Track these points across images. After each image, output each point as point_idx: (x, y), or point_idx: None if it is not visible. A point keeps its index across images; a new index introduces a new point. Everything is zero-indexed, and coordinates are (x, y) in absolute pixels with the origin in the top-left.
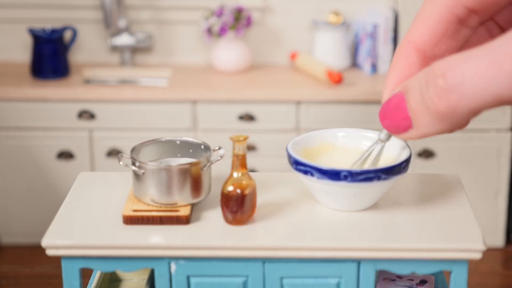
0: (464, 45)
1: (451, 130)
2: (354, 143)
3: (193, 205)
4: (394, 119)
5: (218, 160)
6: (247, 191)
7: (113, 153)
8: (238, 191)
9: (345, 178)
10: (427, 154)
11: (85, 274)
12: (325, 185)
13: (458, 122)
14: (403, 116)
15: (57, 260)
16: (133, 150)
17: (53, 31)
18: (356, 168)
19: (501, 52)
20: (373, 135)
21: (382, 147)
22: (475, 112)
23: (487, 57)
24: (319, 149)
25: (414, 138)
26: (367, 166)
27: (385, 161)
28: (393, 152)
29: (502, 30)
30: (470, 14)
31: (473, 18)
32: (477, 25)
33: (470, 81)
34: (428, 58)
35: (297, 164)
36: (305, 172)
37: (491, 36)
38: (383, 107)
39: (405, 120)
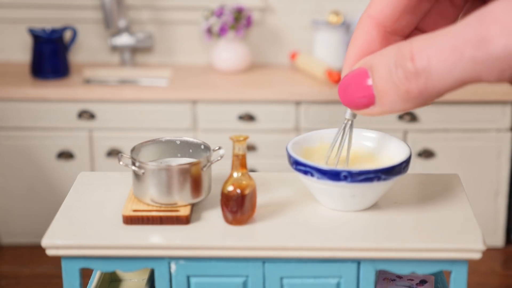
0: (424, 18)
1: (414, 108)
2: (353, 143)
3: (193, 205)
4: (356, 95)
5: (218, 160)
6: (247, 191)
7: (113, 153)
8: (238, 191)
9: (345, 178)
10: (427, 154)
11: (85, 274)
12: (325, 185)
13: (423, 102)
14: (366, 93)
15: (57, 260)
16: (133, 150)
17: (53, 31)
18: (332, 155)
19: (461, 39)
20: (373, 135)
21: (351, 126)
22: (441, 94)
23: (449, 43)
24: (318, 148)
25: (374, 115)
26: (340, 150)
27: (385, 161)
28: (392, 152)
29: None
30: None
31: None
32: None
33: (436, 66)
34: (388, 33)
35: (297, 164)
36: (305, 172)
37: (452, 4)
38: (342, 82)
39: (368, 97)
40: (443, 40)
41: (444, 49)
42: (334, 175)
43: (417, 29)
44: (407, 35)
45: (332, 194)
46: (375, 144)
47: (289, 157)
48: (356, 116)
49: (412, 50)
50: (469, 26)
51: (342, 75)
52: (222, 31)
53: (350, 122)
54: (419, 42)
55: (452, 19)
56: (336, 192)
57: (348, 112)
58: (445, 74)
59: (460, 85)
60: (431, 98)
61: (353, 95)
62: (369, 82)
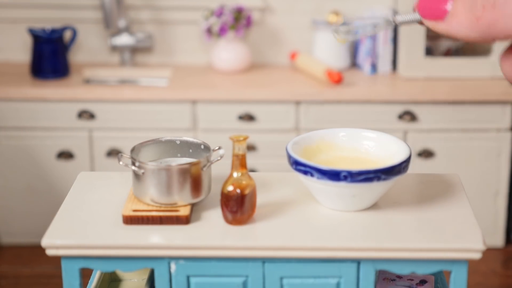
0: None
1: (477, 39)
2: (353, 143)
3: (193, 205)
4: (432, 3)
5: (218, 160)
6: (247, 191)
7: (113, 153)
8: (238, 191)
9: (345, 178)
10: (427, 154)
11: (85, 274)
12: (325, 185)
13: (488, 36)
14: (442, 5)
15: (57, 260)
16: (133, 150)
17: (53, 31)
18: (342, 29)
19: None
20: (373, 135)
21: (385, 27)
22: (506, 36)
23: None
24: (318, 148)
25: (438, 31)
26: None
27: (385, 161)
28: (392, 152)
29: None
30: None
31: None
32: None
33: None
34: None
35: (297, 164)
36: (305, 172)
37: None
38: None
39: (441, 10)
40: None
41: None
42: (334, 175)
43: None
44: None
45: (332, 194)
46: (375, 144)
47: (289, 157)
48: (398, 24)
49: None
50: None
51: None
52: (222, 31)
53: (390, 24)
54: None
55: None
56: (336, 192)
57: (401, 17)
58: None
59: None
60: (496, 35)
61: (432, 3)
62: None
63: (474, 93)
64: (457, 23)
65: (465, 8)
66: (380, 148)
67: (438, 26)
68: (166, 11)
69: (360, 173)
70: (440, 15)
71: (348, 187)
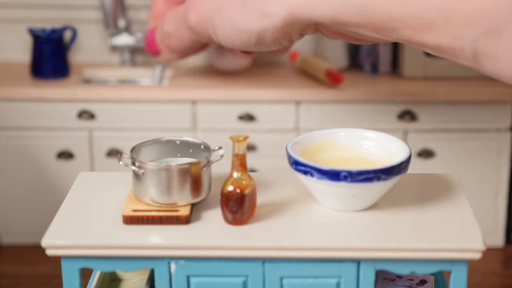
0: None
1: (175, 57)
2: (353, 143)
3: (193, 205)
4: (150, 46)
5: (218, 160)
6: (247, 191)
7: (113, 153)
8: (238, 191)
9: (345, 178)
10: (427, 154)
11: (85, 274)
12: (325, 185)
13: (178, 56)
14: (154, 45)
15: (57, 260)
16: (133, 150)
17: (53, 31)
18: None
19: (179, 11)
20: (373, 135)
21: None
22: (184, 52)
23: (175, 14)
24: (318, 148)
25: (163, 61)
26: None
27: (385, 161)
28: (392, 152)
29: None
30: None
31: None
32: None
33: (172, 30)
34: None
35: (296, 164)
36: (305, 172)
37: None
38: (146, 36)
39: (155, 49)
40: (173, 14)
41: (173, 18)
42: (334, 175)
43: None
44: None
45: (332, 194)
46: (374, 144)
47: (289, 157)
48: None
49: (164, 19)
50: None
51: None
52: None
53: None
54: (167, 15)
55: None
56: (336, 192)
57: None
58: (178, 36)
59: (192, 43)
60: (179, 53)
61: (149, 46)
62: (155, 37)
63: (474, 93)
64: (164, 53)
65: (160, 42)
66: (380, 148)
67: (161, 58)
68: None
69: (360, 173)
70: (157, 52)
71: (348, 187)
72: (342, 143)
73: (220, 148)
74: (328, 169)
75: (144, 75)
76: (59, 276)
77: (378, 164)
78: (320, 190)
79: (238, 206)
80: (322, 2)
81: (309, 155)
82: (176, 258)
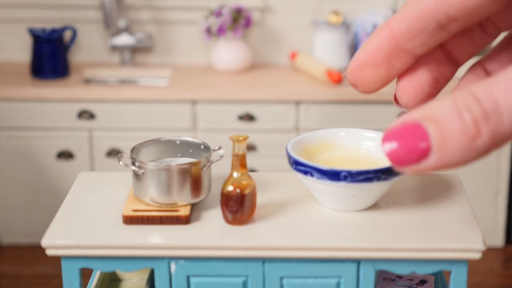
0: (439, 46)
1: (473, 160)
2: (353, 143)
3: (193, 205)
4: (409, 148)
5: (218, 160)
6: (247, 191)
7: (113, 153)
8: (238, 191)
9: (345, 178)
10: None
11: (85, 274)
12: (325, 185)
13: (486, 151)
14: (422, 144)
15: (57, 260)
16: (133, 150)
17: (53, 31)
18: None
19: None
20: (373, 135)
21: None
22: (507, 140)
23: None
24: (318, 148)
25: (427, 170)
26: None
27: (385, 161)
28: None
29: (484, 33)
30: (450, 21)
31: (453, 25)
32: (456, 31)
33: (505, 105)
34: (399, 49)
35: (297, 164)
36: (305, 172)
37: (471, 40)
38: (388, 137)
39: (423, 150)
40: (506, 78)
41: (510, 84)
42: (333, 175)
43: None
44: (419, 55)
45: (332, 194)
46: (375, 144)
47: (289, 157)
48: None
49: (475, 93)
50: None
51: (347, 75)
52: (220, 31)
53: None
54: (480, 85)
55: (478, 47)
56: (336, 192)
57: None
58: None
59: None
60: (496, 144)
61: (403, 148)
62: (425, 132)
63: None
64: (450, 152)
65: (453, 133)
66: (380, 148)
67: (427, 164)
68: (166, 11)
69: (360, 173)
70: (422, 155)
71: (348, 187)
72: (342, 143)
73: (220, 148)
74: (328, 169)
75: (144, 75)
76: (59, 276)
77: (378, 164)
78: (320, 190)
79: (238, 206)
80: None
81: (310, 155)
82: (176, 258)
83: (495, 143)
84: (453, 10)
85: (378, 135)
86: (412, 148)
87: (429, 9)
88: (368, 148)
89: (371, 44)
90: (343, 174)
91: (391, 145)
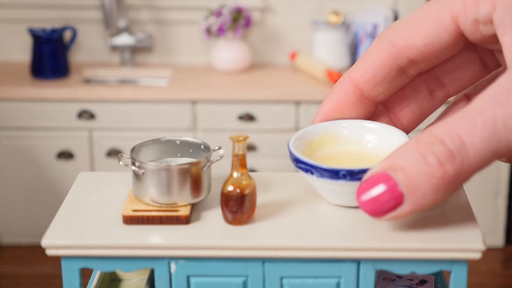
0: (399, 90)
1: (446, 197)
2: (356, 136)
3: (193, 205)
4: (381, 200)
5: (218, 160)
6: (247, 191)
7: (113, 153)
8: (238, 191)
9: (344, 177)
10: None
11: (85, 274)
12: (325, 183)
13: (457, 187)
14: (392, 194)
15: (57, 260)
16: (133, 150)
17: (53, 31)
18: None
19: (490, 108)
20: (375, 126)
21: None
22: (476, 171)
23: (479, 116)
24: (322, 140)
25: (403, 216)
26: None
27: (386, 155)
28: (394, 145)
29: (437, 81)
30: (411, 65)
31: (413, 69)
32: (415, 74)
33: (470, 141)
34: (364, 97)
35: (297, 162)
36: (306, 170)
37: (426, 85)
38: (360, 191)
39: (395, 198)
40: (470, 116)
41: (474, 123)
42: (333, 174)
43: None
44: (380, 102)
45: (334, 191)
46: (377, 137)
47: (290, 154)
48: None
49: (437, 135)
50: (493, 96)
51: (313, 123)
52: (220, 31)
53: None
54: (442, 126)
55: (428, 94)
56: (337, 189)
57: None
58: (481, 147)
59: (495, 158)
60: (465, 179)
61: (377, 200)
62: (394, 181)
63: None
64: (421, 196)
65: (420, 178)
66: (383, 141)
67: (402, 211)
68: (166, 11)
69: (360, 171)
70: (396, 203)
71: (348, 185)
72: (345, 136)
73: (220, 148)
74: (327, 168)
75: (144, 75)
76: (59, 276)
77: (379, 160)
78: (322, 187)
79: (238, 206)
80: None
81: (312, 150)
82: (176, 258)
83: (463, 178)
84: (414, 54)
85: (380, 127)
86: (385, 199)
87: (391, 54)
88: (371, 141)
89: (335, 96)
90: (342, 173)
91: (364, 198)
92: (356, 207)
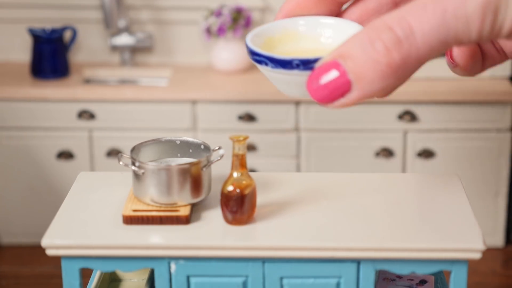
0: None
1: (394, 85)
2: (313, 31)
3: (193, 205)
4: (330, 87)
5: (218, 160)
6: (247, 191)
7: (113, 153)
8: (238, 191)
9: (297, 66)
10: (427, 154)
11: (85, 274)
12: (279, 74)
13: (404, 76)
14: (340, 80)
15: (57, 260)
16: (133, 150)
17: (53, 31)
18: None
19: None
20: (331, 21)
21: None
22: (424, 61)
23: (430, 5)
24: (280, 37)
25: (351, 103)
26: None
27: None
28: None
29: None
30: None
31: None
32: None
33: (419, 28)
34: None
35: (253, 54)
36: (260, 62)
37: None
38: (311, 79)
39: (343, 84)
40: (420, 5)
41: (424, 11)
42: (286, 64)
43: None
44: (342, 3)
45: (288, 82)
46: (333, 32)
47: (247, 47)
48: None
49: (387, 22)
50: None
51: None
52: (220, 31)
53: None
54: (392, 14)
55: None
56: (292, 80)
57: None
58: (430, 35)
59: (442, 48)
60: (413, 67)
61: (326, 87)
62: (342, 68)
63: (474, 93)
64: (369, 83)
65: (367, 65)
66: (340, 35)
67: (350, 98)
68: (166, 11)
69: (313, 61)
70: (344, 90)
71: (302, 75)
72: (302, 33)
73: (220, 148)
74: (280, 58)
75: (144, 75)
76: (59, 276)
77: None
78: (277, 78)
79: (238, 206)
80: None
81: (270, 47)
82: (176, 258)
83: (411, 66)
84: None
85: (337, 22)
86: (333, 86)
87: None
88: (328, 36)
89: None
90: (295, 62)
91: (314, 85)
92: (354, 209)
